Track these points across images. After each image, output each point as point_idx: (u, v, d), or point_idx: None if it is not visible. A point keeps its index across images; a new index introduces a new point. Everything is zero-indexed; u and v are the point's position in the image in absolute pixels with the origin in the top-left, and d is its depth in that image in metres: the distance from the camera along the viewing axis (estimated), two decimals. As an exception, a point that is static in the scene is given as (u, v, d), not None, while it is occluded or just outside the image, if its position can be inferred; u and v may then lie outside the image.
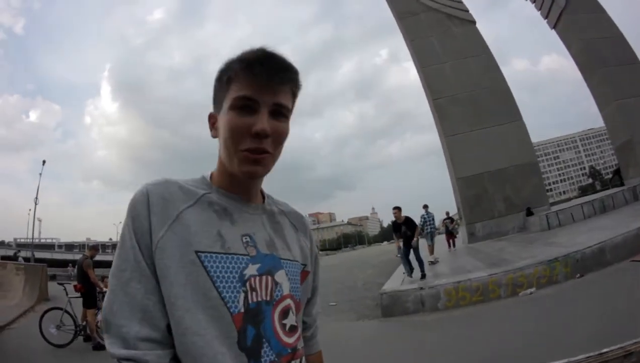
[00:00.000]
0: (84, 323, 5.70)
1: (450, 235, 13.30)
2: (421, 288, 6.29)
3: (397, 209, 8.01)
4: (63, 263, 29.22)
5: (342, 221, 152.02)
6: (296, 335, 0.70)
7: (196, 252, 0.61)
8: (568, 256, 5.88)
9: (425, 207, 10.62)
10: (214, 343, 0.58)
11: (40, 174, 29.97)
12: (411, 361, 4.11)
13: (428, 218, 10.39)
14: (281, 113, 0.65)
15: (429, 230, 10.28)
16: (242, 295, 0.62)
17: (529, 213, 12.03)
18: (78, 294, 5.81)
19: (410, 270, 7.75)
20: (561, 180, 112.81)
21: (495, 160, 12.75)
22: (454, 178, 13.52)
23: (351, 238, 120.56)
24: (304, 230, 0.82)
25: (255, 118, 0.63)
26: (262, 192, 0.77)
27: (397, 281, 7.85)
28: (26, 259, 23.94)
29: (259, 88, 0.62)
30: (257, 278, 0.65)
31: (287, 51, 0.66)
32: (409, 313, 6.15)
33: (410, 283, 6.98)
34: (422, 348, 4.43)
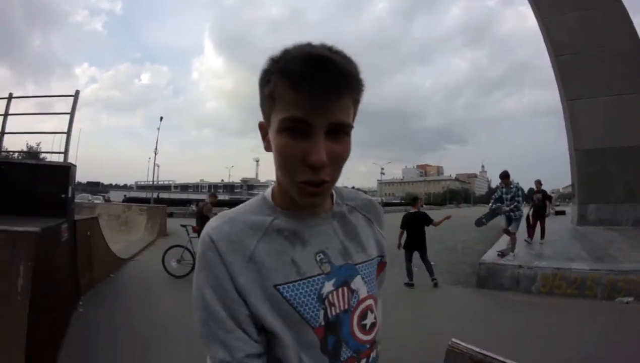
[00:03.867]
0: None
1: (539, 217, 9.09)
2: (520, 266, 6.13)
3: (415, 199, 7.01)
4: (180, 202, 30.70)
5: (450, 176, 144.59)
6: (375, 331, 0.72)
7: (274, 286, 0.61)
8: (681, 272, 4.88)
9: (504, 176, 7.10)
10: (293, 342, 0.62)
11: (158, 129, 33.82)
12: (495, 338, 4.11)
13: (504, 193, 7.03)
14: (341, 131, 0.56)
15: (506, 209, 7.00)
16: (322, 312, 0.64)
17: None
18: (196, 235, 6.30)
19: (410, 276, 6.45)
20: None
21: (621, 135, 10.59)
22: (572, 148, 11.68)
23: (457, 195, 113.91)
24: (377, 218, 0.80)
25: (310, 143, 0.54)
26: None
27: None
28: (146, 200, 26.83)
29: (309, 108, 0.52)
30: (334, 292, 0.66)
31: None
32: (503, 289, 6.11)
33: (511, 259, 6.66)
34: (509, 329, 4.48)
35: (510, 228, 7.02)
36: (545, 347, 3.81)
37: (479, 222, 7.47)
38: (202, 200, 7.26)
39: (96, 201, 28.78)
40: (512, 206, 6.88)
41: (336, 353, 0.65)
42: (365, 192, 0.92)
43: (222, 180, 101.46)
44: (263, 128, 0.63)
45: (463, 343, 2.58)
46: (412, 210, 6.83)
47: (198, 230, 6.43)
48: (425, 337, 3.99)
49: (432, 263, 7.11)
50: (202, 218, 6.40)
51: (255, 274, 0.61)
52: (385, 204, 53.16)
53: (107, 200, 34.53)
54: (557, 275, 5.70)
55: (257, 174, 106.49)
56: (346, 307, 0.67)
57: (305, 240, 0.66)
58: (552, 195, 11.87)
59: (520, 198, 6.84)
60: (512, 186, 6.95)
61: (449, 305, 5.72)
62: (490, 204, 7.54)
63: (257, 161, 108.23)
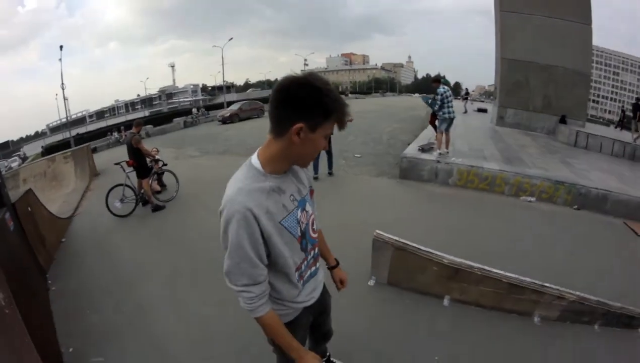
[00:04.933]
0: (142, 191, 6.39)
1: (434, 115, 8.52)
2: (438, 161, 6.83)
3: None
4: (100, 134, 27.51)
5: (376, 65, 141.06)
6: (318, 232, 1.42)
7: (279, 222, 1.15)
8: (574, 186, 5.90)
9: (432, 81, 7.28)
10: (290, 253, 1.21)
11: (60, 60, 28.10)
12: (419, 222, 4.82)
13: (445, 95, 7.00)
14: None
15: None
16: (299, 227, 1.22)
17: (562, 121, 11.60)
18: (132, 169, 6.35)
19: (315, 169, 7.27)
20: (611, 99, 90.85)
21: (547, 54, 11.40)
22: (499, 56, 12.42)
23: (383, 84, 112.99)
24: None
25: (326, 142, 1.14)
26: None
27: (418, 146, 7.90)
28: (66, 143, 24.99)
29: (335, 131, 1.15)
30: (301, 215, 1.24)
31: None
32: (423, 181, 6.88)
33: (429, 154, 7.26)
34: (427, 217, 5.14)
35: (437, 125, 7.39)
36: (456, 234, 4.47)
37: (426, 99, 7.59)
38: (122, 124, 6.54)
39: (13, 164, 25.52)
40: (434, 107, 7.16)
41: (306, 248, 1.29)
42: None
43: (138, 95, 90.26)
44: (302, 131, 1.06)
45: (386, 234, 3.21)
46: None
47: (132, 163, 6.35)
48: (353, 227, 4.47)
49: (357, 156, 8.24)
50: (134, 151, 6.30)
51: (271, 220, 1.12)
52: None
53: (24, 159, 30.75)
54: (471, 172, 6.53)
55: (174, 81, 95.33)
56: (306, 221, 1.27)
57: (283, 190, 1.17)
58: (472, 92, 12.53)
59: (438, 101, 6.94)
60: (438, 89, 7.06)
61: (374, 195, 6.26)
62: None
63: (173, 66, 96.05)
